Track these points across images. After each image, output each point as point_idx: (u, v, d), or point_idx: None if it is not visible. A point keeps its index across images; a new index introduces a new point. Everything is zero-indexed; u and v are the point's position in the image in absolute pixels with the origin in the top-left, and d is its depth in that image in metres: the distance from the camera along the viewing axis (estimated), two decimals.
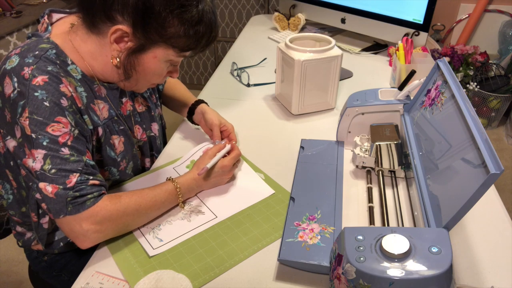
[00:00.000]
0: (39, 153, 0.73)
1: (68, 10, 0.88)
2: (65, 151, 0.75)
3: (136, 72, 0.83)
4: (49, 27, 0.84)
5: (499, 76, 2.46)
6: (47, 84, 0.75)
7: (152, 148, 1.06)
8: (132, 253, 0.79)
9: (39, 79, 0.74)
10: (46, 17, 0.86)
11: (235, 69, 1.49)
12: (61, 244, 0.93)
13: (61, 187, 0.73)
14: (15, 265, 1.80)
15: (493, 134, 2.58)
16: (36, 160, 0.73)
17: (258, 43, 1.84)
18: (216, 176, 0.93)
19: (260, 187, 0.95)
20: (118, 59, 0.81)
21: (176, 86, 1.20)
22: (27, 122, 0.73)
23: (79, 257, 0.99)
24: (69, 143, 0.75)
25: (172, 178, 0.88)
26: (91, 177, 0.76)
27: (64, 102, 0.76)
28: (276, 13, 1.95)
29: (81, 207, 0.74)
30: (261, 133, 1.16)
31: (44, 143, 0.73)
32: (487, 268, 0.75)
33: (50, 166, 0.73)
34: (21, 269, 1.78)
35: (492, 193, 0.92)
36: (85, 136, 0.80)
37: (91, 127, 0.84)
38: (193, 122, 1.16)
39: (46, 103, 0.74)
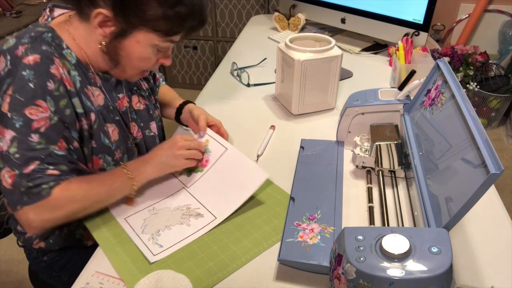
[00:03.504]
0: (9, 134, 0.74)
1: (70, 6, 0.89)
2: (34, 137, 0.75)
3: (121, 57, 0.83)
4: (49, 19, 0.86)
5: (499, 76, 2.46)
6: (37, 65, 0.76)
7: (150, 147, 1.06)
8: (132, 260, 0.77)
9: (31, 58, 0.76)
10: (47, 10, 0.87)
11: (235, 69, 1.49)
12: (60, 241, 0.94)
13: (17, 172, 0.74)
14: (15, 265, 1.80)
15: (493, 134, 2.58)
16: (3, 140, 0.74)
17: (258, 43, 1.84)
18: (166, 154, 0.90)
19: (253, 171, 0.93)
20: (104, 44, 0.81)
21: (166, 92, 1.19)
22: (8, 99, 0.74)
23: (79, 257, 0.99)
24: (42, 129, 0.76)
25: (123, 163, 0.88)
26: (51, 167, 0.77)
27: (51, 85, 0.77)
28: (276, 13, 1.95)
29: (37, 196, 0.75)
30: (261, 133, 1.16)
31: (17, 125, 0.74)
32: (487, 268, 0.75)
33: (16, 149, 0.74)
34: (21, 269, 1.78)
35: (492, 193, 0.92)
36: (66, 123, 0.80)
37: (81, 110, 0.83)
38: (181, 123, 1.15)
39: (31, 85, 0.75)
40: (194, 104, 1.15)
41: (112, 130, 0.91)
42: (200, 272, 0.75)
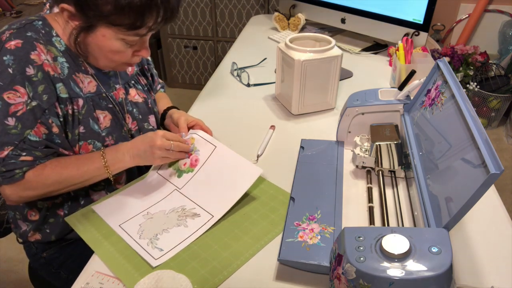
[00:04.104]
0: None
1: None
2: (10, 121, 0.78)
3: (91, 49, 0.84)
4: (47, 12, 0.88)
5: (499, 76, 2.46)
6: (17, 50, 0.78)
7: None
8: (134, 266, 0.76)
9: (13, 43, 0.78)
10: (48, 5, 0.89)
11: (235, 69, 1.49)
12: (56, 231, 0.96)
13: None
14: (15, 265, 1.80)
15: (493, 134, 2.58)
16: None
17: (258, 43, 1.84)
18: (144, 149, 0.89)
19: (245, 168, 0.92)
20: (74, 36, 0.82)
21: (158, 97, 1.18)
22: None
23: (78, 255, 0.99)
24: (18, 113, 0.78)
25: (103, 149, 0.90)
26: (24, 153, 0.80)
27: (30, 71, 0.79)
28: (276, 13, 1.95)
29: (11, 180, 0.81)
30: (261, 133, 1.16)
31: None
32: (487, 268, 0.75)
33: None
34: (21, 268, 1.78)
35: (492, 193, 0.92)
36: (45, 108, 0.81)
37: (65, 95, 0.85)
38: (166, 128, 1.14)
39: (10, 70, 0.77)
40: (177, 109, 1.14)
41: (104, 117, 0.91)
42: (205, 271, 0.75)
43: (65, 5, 0.78)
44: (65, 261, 1.00)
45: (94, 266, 0.77)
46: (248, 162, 0.94)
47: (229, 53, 1.74)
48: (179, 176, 0.97)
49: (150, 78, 1.10)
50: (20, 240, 0.99)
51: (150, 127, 1.03)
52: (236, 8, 2.82)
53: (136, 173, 1.03)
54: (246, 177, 0.91)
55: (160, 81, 1.22)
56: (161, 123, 1.14)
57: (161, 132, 0.91)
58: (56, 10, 0.89)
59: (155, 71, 1.16)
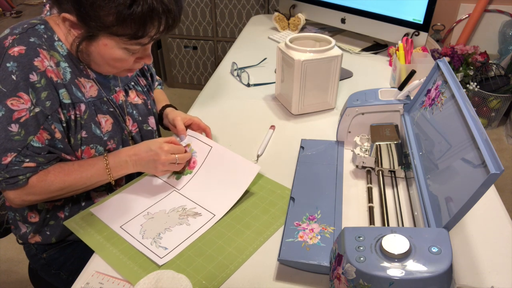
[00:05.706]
0: None
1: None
2: (14, 128, 0.78)
3: (93, 57, 0.84)
4: (48, 14, 0.88)
5: (499, 76, 2.46)
6: (21, 56, 0.78)
7: None
8: (140, 266, 0.76)
9: (16, 49, 0.78)
10: (48, 6, 0.89)
11: (235, 69, 1.49)
12: (56, 233, 0.95)
13: None
14: (15, 265, 1.80)
15: (493, 134, 2.58)
16: None
17: (258, 43, 1.84)
18: (147, 161, 0.90)
19: (243, 166, 0.93)
20: (76, 44, 0.82)
21: (155, 95, 1.18)
22: None
23: (78, 256, 0.99)
24: (22, 120, 0.78)
25: (105, 154, 0.90)
26: (27, 160, 0.80)
27: (33, 77, 0.79)
28: (276, 13, 1.95)
29: (14, 185, 0.81)
30: (261, 133, 1.16)
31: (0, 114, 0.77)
32: (487, 268, 0.75)
33: None
34: (21, 268, 1.78)
35: (492, 193, 0.92)
36: (47, 115, 0.81)
37: (68, 101, 0.84)
38: (165, 127, 1.14)
39: (14, 77, 0.77)
40: (173, 107, 1.13)
41: (105, 121, 0.92)
42: (212, 267, 0.76)
43: (67, 15, 0.78)
44: (65, 262, 1.00)
45: (94, 266, 0.77)
46: (246, 160, 0.94)
47: (229, 53, 1.74)
48: (177, 179, 0.97)
49: (149, 79, 1.10)
50: (20, 241, 0.99)
51: (149, 128, 1.03)
52: (236, 8, 2.82)
53: (135, 174, 1.03)
54: (245, 175, 0.91)
55: (158, 78, 1.22)
56: (160, 123, 1.14)
57: (166, 147, 0.90)
58: (55, 11, 0.90)
59: (153, 69, 1.16)
